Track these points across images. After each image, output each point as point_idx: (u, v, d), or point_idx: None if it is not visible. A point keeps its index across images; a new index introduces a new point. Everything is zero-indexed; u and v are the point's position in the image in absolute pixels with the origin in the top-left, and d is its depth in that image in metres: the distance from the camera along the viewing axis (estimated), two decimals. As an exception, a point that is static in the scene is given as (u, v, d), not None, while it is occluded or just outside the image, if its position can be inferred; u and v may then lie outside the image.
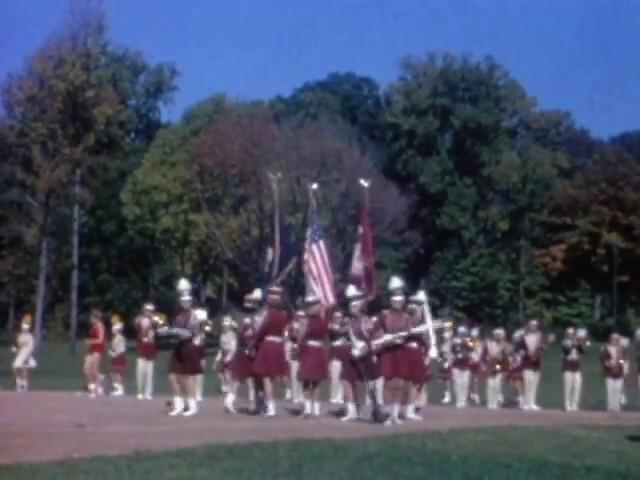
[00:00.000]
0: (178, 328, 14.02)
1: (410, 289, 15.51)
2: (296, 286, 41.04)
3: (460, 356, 20.65)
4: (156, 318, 18.88)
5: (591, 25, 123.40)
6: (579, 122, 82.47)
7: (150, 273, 70.29)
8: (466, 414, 17.17)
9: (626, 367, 20.20)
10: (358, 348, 13.32)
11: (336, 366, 16.63)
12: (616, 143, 77.89)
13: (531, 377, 19.27)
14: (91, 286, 65.67)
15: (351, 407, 13.85)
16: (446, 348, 21.35)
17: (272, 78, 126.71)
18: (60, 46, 53.23)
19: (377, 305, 15.38)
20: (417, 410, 14.68)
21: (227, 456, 8.05)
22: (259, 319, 14.26)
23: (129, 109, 72.38)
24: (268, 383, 14.01)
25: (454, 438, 10.56)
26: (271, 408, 13.71)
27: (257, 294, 15.00)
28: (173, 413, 13.68)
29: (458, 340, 20.80)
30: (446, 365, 21.46)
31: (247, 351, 14.36)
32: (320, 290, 16.10)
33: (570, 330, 20.92)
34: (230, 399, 14.89)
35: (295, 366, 17.21)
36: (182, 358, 13.92)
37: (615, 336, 20.90)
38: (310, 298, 15.80)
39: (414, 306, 14.36)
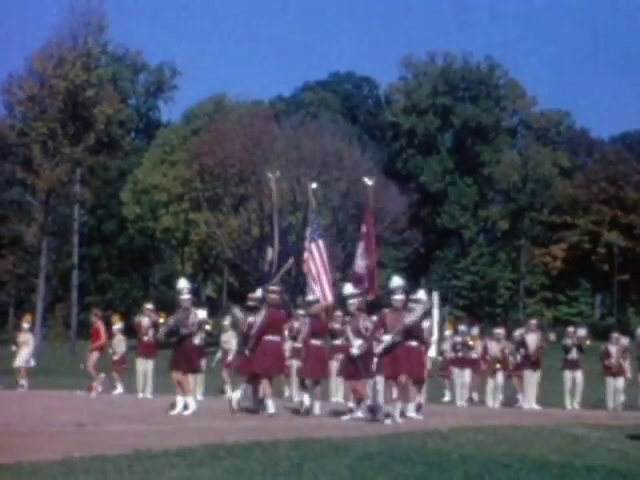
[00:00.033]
0: (174, 320, 14.02)
1: (410, 288, 15.50)
2: (296, 285, 41.07)
3: (460, 355, 20.66)
4: (157, 317, 18.94)
5: (591, 25, 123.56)
6: (579, 121, 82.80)
7: (150, 272, 70.32)
8: (466, 413, 17.17)
9: (627, 366, 20.20)
10: (356, 346, 13.33)
11: (336, 365, 16.63)
12: (616, 142, 77.94)
13: (531, 376, 19.26)
14: (91, 285, 65.69)
15: (353, 405, 13.85)
16: (446, 346, 21.37)
17: (272, 77, 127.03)
18: (60, 45, 53.19)
19: (377, 304, 15.39)
20: (418, 408, 14.68)
21: (227, 455, 8.04)
22: (258, 319, 14.26)
23: (129, 108, 72.38)
24: (267, 383, 13.99)
25: (454, 437, 10.56)
26: (271, 406, 13.70)
27: (259, 293, 15.02)
28: (173, 412, 13.68)
29: (458, 339, 20.81)
30: (440, 358, 21.49)
31: (246, 351, 14.35)
32: (319, 289, 16.11)
33: (570, 329, 20.95)
34: (235, 396, 14.86)
35: (295, 365, 17.22)
36: (182, 357, 13.91)
37: (615, 335, 20.91)
38: (310, 297, 15.82)
39: (414, 305, 14.36)
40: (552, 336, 20.60)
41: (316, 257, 16.40)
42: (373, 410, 13.15)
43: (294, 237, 42.04)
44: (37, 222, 55.64)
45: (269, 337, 14.06)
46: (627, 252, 65.99)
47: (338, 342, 16.61)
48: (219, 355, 20.60)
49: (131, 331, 21.56)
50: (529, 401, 19.26)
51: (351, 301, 13.96)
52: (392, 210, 51.18)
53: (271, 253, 16.52)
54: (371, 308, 14.89)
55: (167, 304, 35.43)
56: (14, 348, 22.21)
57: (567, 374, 19.72)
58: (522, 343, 19.49)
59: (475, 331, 21.66)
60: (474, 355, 20.63)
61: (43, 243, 53.91)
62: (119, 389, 20.60)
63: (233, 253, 53.62)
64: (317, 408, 14.53)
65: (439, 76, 75.23)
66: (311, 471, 7.29)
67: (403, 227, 56.24)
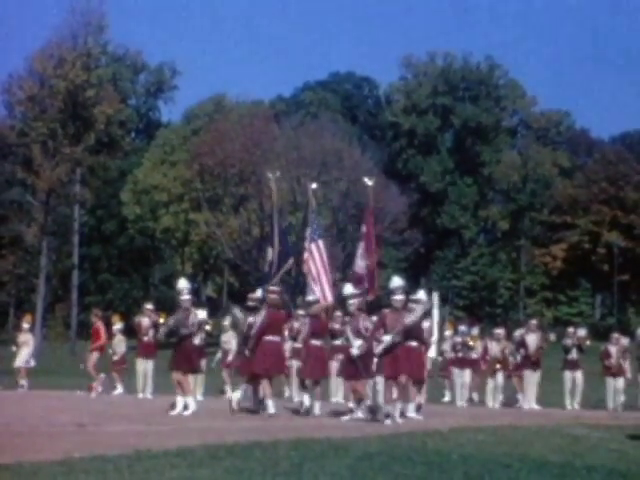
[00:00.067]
0: (174, 320, 14.02)
1: (410, 288, 15.51)
2: (296, 286, 41.07)
3: (460, 355, 20.66)
4: (157, 318, 18.93)
5: (591, 25, 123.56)
6: (579, 121, 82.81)
7: (150, 272, 70.33)
8: (466, 413, 17.18)
9: (628, 366, 20.20)
10: (356, 347, 13.34)
11: (336, 366, 16.63)
12: (616, 142, 77.96)
13: (531, 376, 19.26)
14: (91, 285, 65.70)
15: (353, 405, 13.85)
16: (446, 347, 21.37)
17: (272, 77, 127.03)
18: (60, 45, 53.20)
19: (377, 304, 15.38)
20: (418, 409, 14.68)
21: (227, 456, 8.05)
22: (258, 319, 14.26)
23: (129, 108, 72.39)
24: (267, 383, 13.99)
25: (454, 437, 10.56)
26: (271, 406, 13.71)
27: (260, 293, 15.03)
28: (173, 412, 13.68)
29: (459, 339, 20.81)
30: (440, 359, 21.50)
31: (246, 352, 14.35)
32: (319, 289, 16.11)
33: (570, 329, 20.96)
34: (236, 397, 14.86)
35: (295, 365, 17.22)
36: (182, 357, 13.91)
37: (615, 335, 20.91)
38: (310, 297, 15.82)
39: (414, 305, 14.36)
40: (552, 336, 20.60)
41: (316, 257, 16.40)
42: (373, 410, 13.16)
43: (294, 237, 42.03)
44: (37, 222, 55.65)
45: (269, 337, 14.06)
46: (627, 252, 66.01)
47: (338, 342, 16.61)
48: (219, 355, 20.60)
49: (131, 331, 21.56)
50: (529, 401, 19.27)
51: (351, 301, 13.96)
52: (392, 210, 51.19)
53: (271, 253, 16.52)
54: (371, 308, 14.89)
55: (167, 304, 35.44)
56: (14, 348, 22.21)
57: (567, 374, 19.73)
58: (522, 343, 19.49)
59: (475, 331, 21.66)
60: (474, 355, 20.64)
61: (43, 243, 53.92)
62: (119, 389, 20.60)
63: (233, 253, 53.62)
64: (317, 408, 14.53)
65: (439, 76, 75.26)
66: (311, 471, 7.30)
67: (403, 227, 56.25)
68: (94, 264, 66.55)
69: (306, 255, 16.55)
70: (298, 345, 16.38)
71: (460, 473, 7.54)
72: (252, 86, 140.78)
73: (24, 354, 21.89)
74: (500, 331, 20.90)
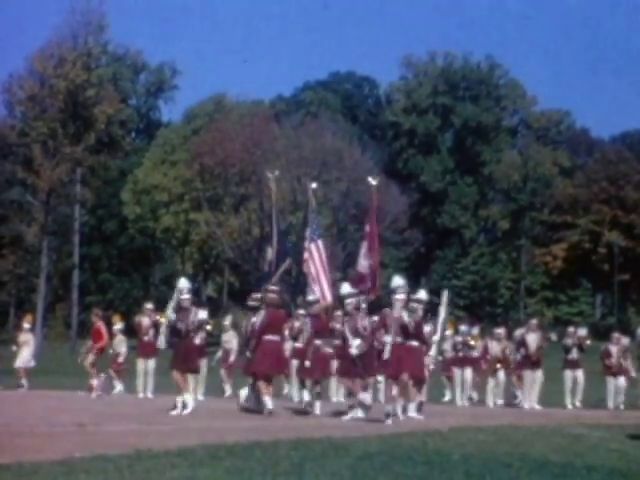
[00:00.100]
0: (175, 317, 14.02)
1: (411, 288, 15.49)
2: (297, 285, 41.08)
3: (461, 354, 20.66)
4: (158, 317, 18.92)
5: (591, 25, 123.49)
6: (580, 121, 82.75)
7: (151, 272, 70.30)
8: (467, 413, 17.17)
9: (630, 366, 20.20)
10: (355, 346, 13.33)
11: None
12: (617, 142, 77.92)
13: (530, 376, 19.25)
14: (92, 285, 65.69)
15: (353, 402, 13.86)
16: (447, 346, 21.35)
17: (273, 77, 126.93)
18: (61, 45, 53.22)
19: (378, 304, 15.37)
20: (419, 407, 14.66)
21: (228, 455, 8.04)
22: (258, 319, 14.26)
23: (130, 108, 72.38)
24: (263, 382, 13.98)
25: (455, 437, 10.56)
26: (268, 401, 13.66)
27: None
28: (174, 412, 13.68)
29: (459, 338, 20.81)
30: (440, 358, 21.49)
31: (247, 353, 14.36)
32: (318, 289, 16.11)
33: (571, 329, 20.96)
34: (243, 394, 14.86)
35: (295, 364, 17.22)
36: (181, 356, 13.91)
37: (616, 335, 20.92)
38: (311, 297, 15.82)
39: (415, 305, 14.35)
40: (554, 336, 20.56)
41: (315, 257, 16.40)
42: (363, 405, 13.17)
43: (294, 237, 42.05)
44: (38, 222, 55.68)
45: (268, 337, 14.06)
46: (627, 252, 65.99)
47: (339, 342, 16.60)
48: (220, 354, 20.60)
49: (131, 331, 21.56)
50: (530, 401, 19.25)
51: (348, 300, 13.97)
52: (392, 210, 51.18)
53: (270, 253, 16.53)
54: (372, 308, 14.89)
55: (167, 304, 35.39)
56: (14, 348, 22.21)
57: (568, 374, 19.72)
58: (522, 343, 19.48)
59: (476, 331, 21.66)
60: (475, 355, 20.64)
61: (44, 243, 53.94)
62: (118, 387, 20.60)
63: (234, 253, 53.64)
64: (318, 408, 14.52)
65: (439, 76, 75.24)
66: (312, 471, 7.29)
67: (403, 227, 56.28)
68: (94, 264, 66.54)
69: (306, 255, 16.55)
70: (299, 345, 16.38)
71: (461, 473, 7.54)
72: (252, 86, 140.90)
73: (25, 354, 21.89)
74: (501, 331, 20.90)
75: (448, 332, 21.64)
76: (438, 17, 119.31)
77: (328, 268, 16.79)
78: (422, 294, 15.00)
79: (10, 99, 53.95)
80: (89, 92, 53.86)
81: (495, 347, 20.07)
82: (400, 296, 13.40)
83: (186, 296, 14.09)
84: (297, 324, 17.26)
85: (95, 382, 19.76)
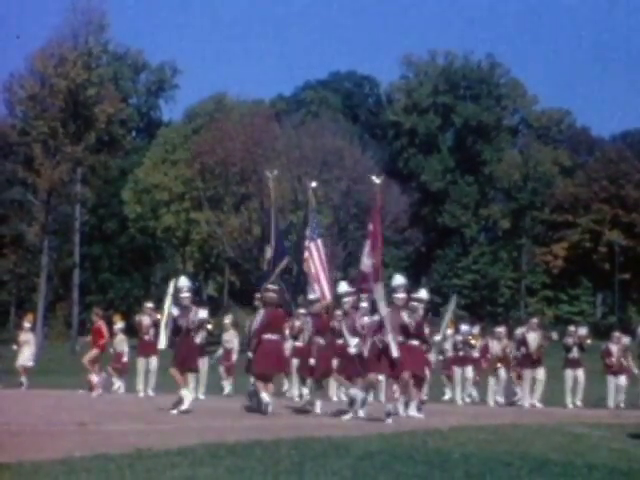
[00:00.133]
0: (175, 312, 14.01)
1: (411, 287, 15.50)
2: (297, 284, 41.10)
3: (462, 354, 20.67)
4: (158, 316, 18.91)
5: (592, 23, 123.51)
6: (580, 120, 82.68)
7: (151, 272, 70.31)
8: (467, 412, 17.17)
9: (631, 365, 20.20)
10: (353, 345, 13.33)
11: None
12: (617, 141, 77.93)
13: (530, 375, 19.25)
14: (92, 285, 65.69)
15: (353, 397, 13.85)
16: (447, 345, 21.35)
17: (273, 76, 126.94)
18: (61, 45, 53.26)
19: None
20: (419, 407, 14.65)
21: (228, 455, 8.04)
22: (258, 318, 14.26)
23: (130, 107, 72.36)
24: (265, 382, 13.97)
25: (455, 436, 10.55)
26: (265, 396, 13.63)
27: None
28: (174, 411, 13.68)
29: (460, 337, 20.83)
30: (440, 357, 21.50)
31: (248, 353, 14.35)
32: (318, 288, 16.11)
33: (571, 328, 20.96)
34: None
35: (296, 363, 17.22)
36: (181, 355, 13.91)
37: (616, 334, 20.91)
38: (312, 296, 15.81)
39: (416, 304, 14.34)
40: (554, 335, 20.56)
41: (315, 256, 16.40)
42: (352, 402, 13.20)
43: (295, 236, 42.06)
44: (38, 221, 55.73)
45: (268, 336, 14.06)
46: (628, 251, 66.00)
47: (340, 341, 16.60)
48: (220, 352, 20.60)
49: (132, 330, 21.57)
50: (532, 399, 19.25)
51: (345, 299, 13.96)
52: (393, 209, 51.22)
53: (270, 252, 16.53)
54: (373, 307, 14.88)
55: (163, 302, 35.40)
56: (15, 347, 22.22)
57: (568, 373, 19.72)
58: (523, 342, 19.48)
59: (476, 330, 21.67)
60: (475, 354, 20.65)
61: (44, 242, 53.99)
62: (117, 384, 20.61)
63: (234, 252, 53.67)
64: (318, 407, 14.52)
65: (440, 75, 75.24)
66: (312, 470, 7.29)
67: (404, 226, 56.30)
68: (95, 263, 66.55)
69: (306, 254, 16.55)
70: (299, 344, 16.37)
71: (461, 472, 7.53)
72: (253, 85, 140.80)
73: (27, 353, 21.90)
74: (501, 330, 20.90)
75: (449, 331, 21.68)
76: (438, 16, 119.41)
77: (328, 267, 16.77)
78: (423, 293, 15.00)
79: (11, 98, 54.02)
80: (90, 91, 53.90)
81: (496, 346, 20.07)
82: (401, 295, 13.40)
83: (186, 294, 14.09)
84: (298, 323, 17.26)
85: (95, 379, 19.73)
